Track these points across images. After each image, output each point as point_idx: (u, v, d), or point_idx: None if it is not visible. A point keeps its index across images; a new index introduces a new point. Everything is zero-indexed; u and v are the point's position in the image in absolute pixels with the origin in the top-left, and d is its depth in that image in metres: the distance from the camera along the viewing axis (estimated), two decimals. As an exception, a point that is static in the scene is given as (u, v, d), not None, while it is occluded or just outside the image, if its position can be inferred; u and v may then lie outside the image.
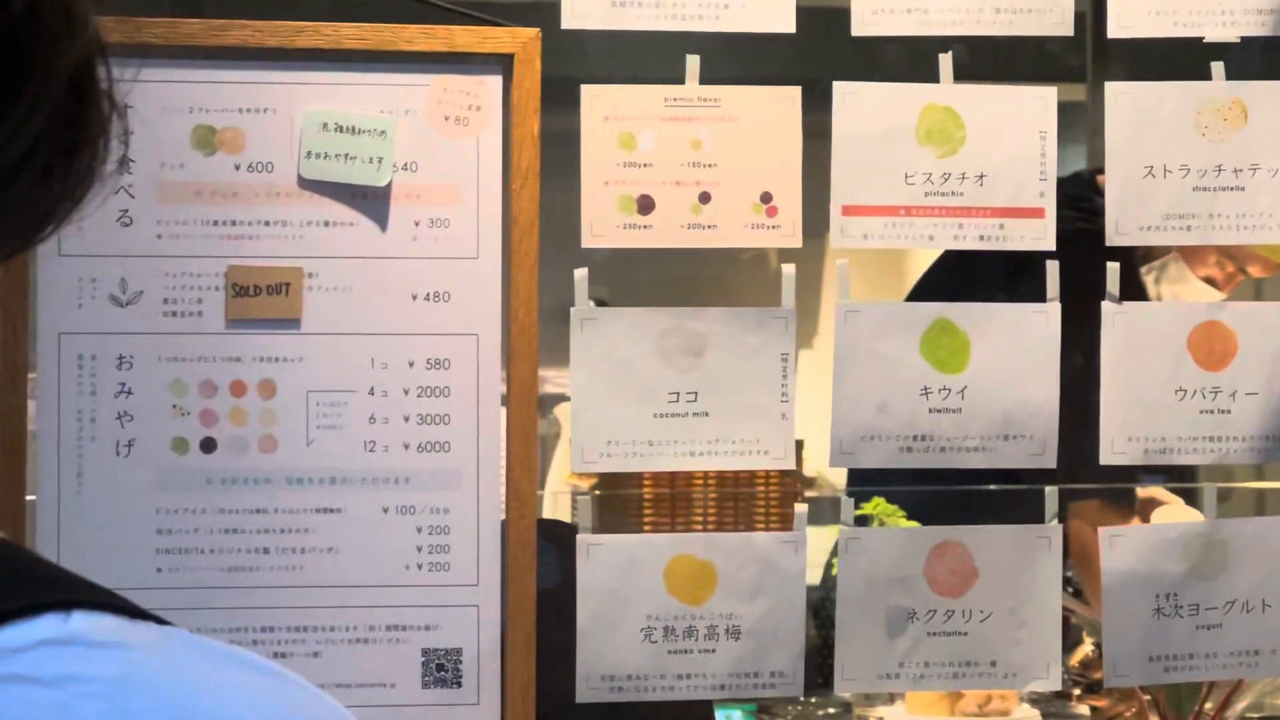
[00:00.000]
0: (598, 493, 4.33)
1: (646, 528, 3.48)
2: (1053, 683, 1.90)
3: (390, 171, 1.81)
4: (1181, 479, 3.66)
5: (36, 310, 1.79)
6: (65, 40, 0.75)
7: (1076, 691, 3.13)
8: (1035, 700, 3.38)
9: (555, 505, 4.47)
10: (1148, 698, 2.67)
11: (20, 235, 0.78)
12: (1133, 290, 3.56)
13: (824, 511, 2.66)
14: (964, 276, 2.37)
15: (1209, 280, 3.61)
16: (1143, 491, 3.73)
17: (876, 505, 2.44)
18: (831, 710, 3.92)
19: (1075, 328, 2.00)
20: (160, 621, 0.75)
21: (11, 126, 0.74)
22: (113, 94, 0.78)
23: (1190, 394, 1.91)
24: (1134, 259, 3.71)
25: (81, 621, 0.73)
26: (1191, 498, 3.31)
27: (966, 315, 1.90)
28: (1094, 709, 3.00)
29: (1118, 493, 3.22)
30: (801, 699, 4.07)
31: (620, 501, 3.90)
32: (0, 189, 0.75)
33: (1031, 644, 1.89)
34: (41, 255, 1.78)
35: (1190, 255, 3.51)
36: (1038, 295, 1.93)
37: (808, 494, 4.66)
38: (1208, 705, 2.77)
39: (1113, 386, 1.92)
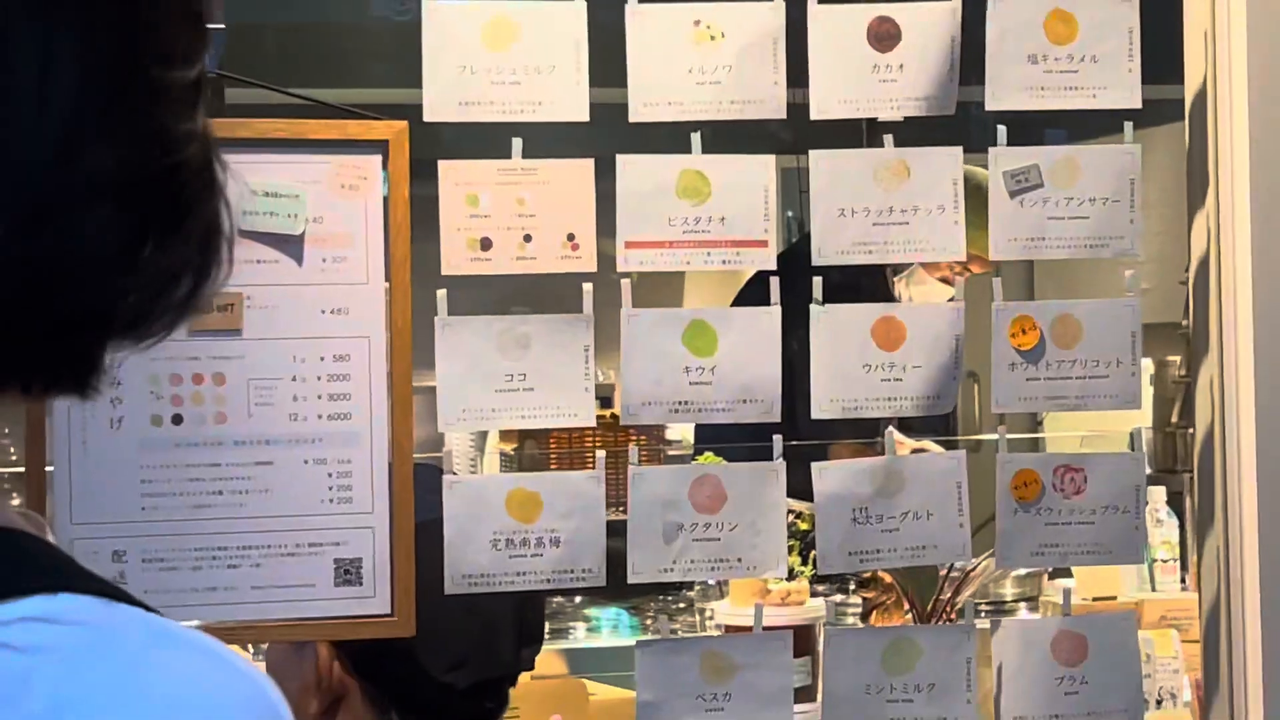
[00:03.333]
0: (511, 450, 4.98)
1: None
2: (781, 572, 2.25)
3: (304, 223, 2.12)
4: (936, 434, 4.16)
5: None
6: (211, 187, 0.85)
7: (852, 586, 3.68)
8: (824, 594, 3.94)
9: (491, 461, 5.15)
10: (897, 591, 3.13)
11: (154, 334, 0.86)
12: (884, 292, 4.09)
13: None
14: (761, 293, 2.81)
15: (944, 279, 4.15)
16: (916, 443, 4.29)
17: (707, 458, 2.72)
18: (681, 605, 4.47)
19: (800, 324, 2.33)
20: (142, 606, 0.79)
21: (175, 252, 0.83)
22: (231, 227, 0.88)
23: (874, 367, 2.27)
24: (888, 271, 4.24)
25: (64, 602, 0.76)
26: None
27: (714, 316, 2.25)
28: (865, 599, 3.55)
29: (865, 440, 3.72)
30: (662, 597, 4.61)
31: (531, 457, 4.55)
32: (156, 299, 0.84)
33: (765, 547, 2.24)
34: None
35: (928, 263, 4.05)
36: (770, 301, 2.26)
37: (671, 452, 5.33)
38: (945, 594, 3.27)
39: (819, 363, 2.26)
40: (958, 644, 2.29)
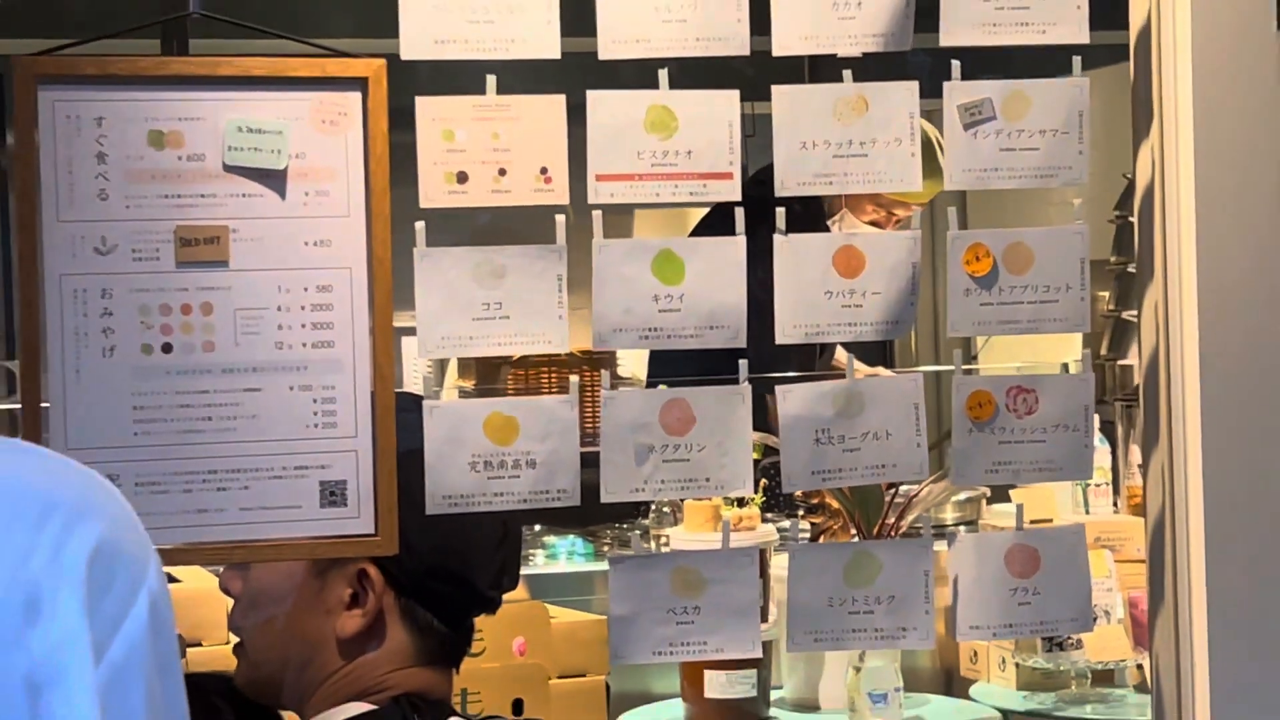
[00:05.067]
0: (470, 386, 5.01)
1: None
2: (748, 491, 2.31)
3: (287, 159, 2.14)
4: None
5: (44, 260, 2.08)
6: None
7: (801, 512, 3.74)
8: (773, 521, 4.00)
9: (450, 398, 5.19)
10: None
11: None
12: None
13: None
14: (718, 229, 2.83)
15: (874, 224, 4.24)
16: (870, 369, 4.35)
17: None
18: (637, 531, 4.53)
19: (764, 254, 2.40)
20: None
21: None
22: None
23: (835, 294, 2.32)
24: (824, 216, 4.32)
25: None
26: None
27: (682, 246, 2.29)
28: (813, 525, 3.62)
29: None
30: (618, 525, 4.68)
31: (489, 393, 4.59)
32: None
33: (733, 467, 2.29)
34: (46, 223, 2.07)
35: (854, 208, 4.14)
36: (734, 232, 2.30)
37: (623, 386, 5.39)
38: (890, 519, 3.34)
39: (783, 290, 2.31)
40: (916, 558, 2.34)
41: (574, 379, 2.27)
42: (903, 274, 2.34)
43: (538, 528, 4.84)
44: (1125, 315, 5.00)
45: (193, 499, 2.15)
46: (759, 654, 2.32)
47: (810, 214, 3.31)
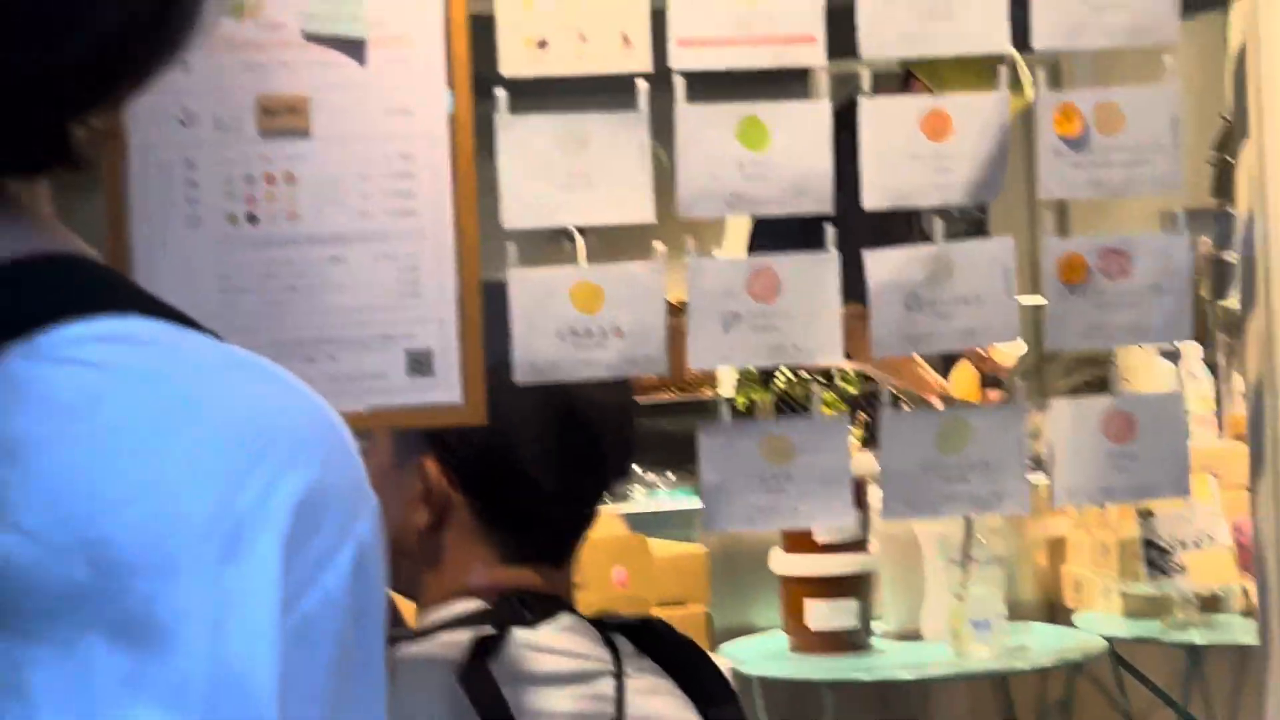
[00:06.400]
0: None
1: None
2: (837, 358, 2.27)
3: (364, 26, 2.10)
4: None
5: (127, 133, 2.05)
6: None
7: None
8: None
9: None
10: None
11: (144, 67, 0.81)
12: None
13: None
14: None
15: None
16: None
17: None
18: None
19: (849, 127, 2.48)
20: (203, 330, 0.78)
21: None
22: None
23: (923, 158, 2.26)
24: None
25: (135, 324, 0.75)
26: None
27: (767, 111, 2.23)
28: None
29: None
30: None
31: None
32: (135, 26, 0.78)
33: (821, 335, 2.24)
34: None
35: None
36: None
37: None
38: None
39: (868, 154, 2.26)
40: (1009, 423, 2.27)
41: (658, 244, 2.21)
42: (992, 136, 2.28)
43: (637, 468, 4.81)
44: (1225, 256, 4.90)
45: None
46: (850, 521, 2.25)
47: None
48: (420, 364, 2.14)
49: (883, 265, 2.28)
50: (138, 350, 0.75)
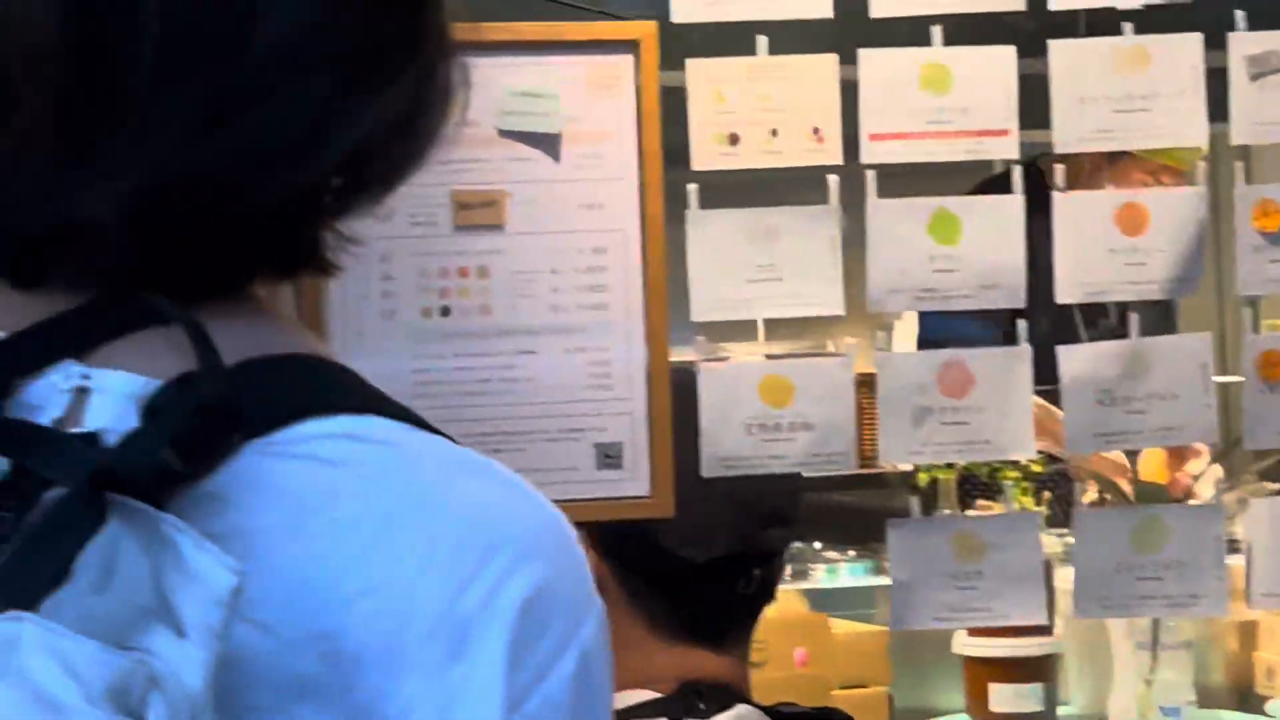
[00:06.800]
0: None
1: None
2: (1029, 453, 2.23)
3: (560, 122, 2.11)
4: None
5: None
6: (413, 51, 0.81)
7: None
8: (1058, 535, 3.86)
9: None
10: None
11: (391, 177, 0.83)
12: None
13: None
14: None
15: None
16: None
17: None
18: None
19: (1042, 214, 2.46)
20: (436, 432, 0.80)
21: (403, 88, 0.80)
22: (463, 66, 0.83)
23: (1118, 252, 2.23)
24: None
25: (370, 423, 0.77)
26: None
27: (958, 204, 2.23)
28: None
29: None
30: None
31: None
32: (384, 142, 0.80)
33: (1013, 429, 2.20)
34: (327, 190, 2.24)
35: (1119, 178, 3.98)
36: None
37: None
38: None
39: (1062, 249, 2.23)
40: (1206, 523, 2.22)
41: (849, 340, 2.19)
42: (1188, 230, 2.23)
43: (817, 545, 4.77)
44: None
45: (470, 461, 2.12)
46: (1045, 620, 2.21)
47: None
48: (610, 457, 2.15)
49: (1076, 360, 2.24)
50: (372, 449, 0.76)
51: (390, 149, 0.81)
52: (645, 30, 2.16)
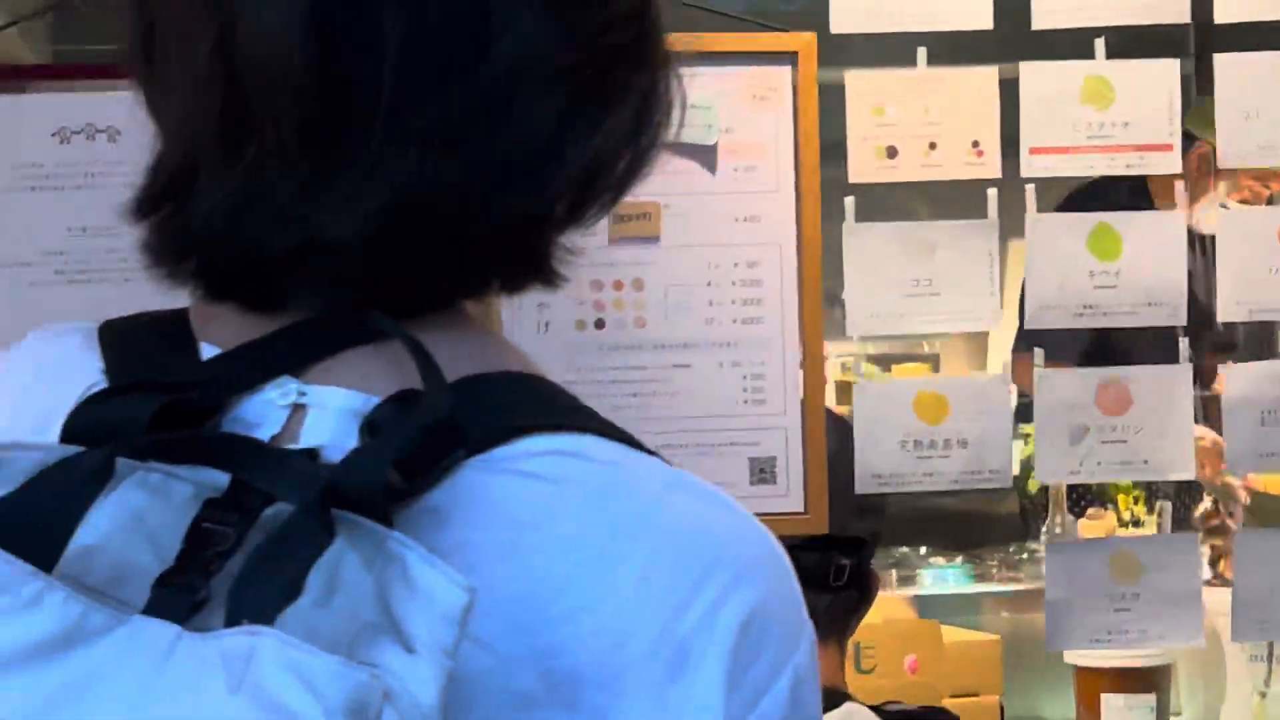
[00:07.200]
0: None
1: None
2: (1188, 473, 2.19)
3: (717, 134, 2.09)
4: None
5: None
6: (641, 63, 0.82)
7: (1200, 535, 3.55)
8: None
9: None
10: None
11: (620, 187, 0.84)
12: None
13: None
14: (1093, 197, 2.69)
15: (1243, 201, 4.03)
16: None
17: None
18: (1023, 556, 4.38)
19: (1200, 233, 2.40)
20: (651, 453, 0.79)
21: (632, 100, 0.81)
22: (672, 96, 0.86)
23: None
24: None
25: (587, 441, 0.76)
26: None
27: (1119, 220, 2.18)
28: (1213, 547, 3.43)
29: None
30: (1004, 548, 4.52)
31: None
32: (614, 153, 0.81)
33: (1172, 449, 2.17)
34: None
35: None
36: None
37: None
38: None
39: (1224, 268, 2.19)
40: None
41: (1006, 358, 2.16)
42: (1356, 247, 2.18)
43: (923, 550, 4.72)
44: None
45: (626, 474, 2.10)
46: (1203, 644, 2.17)
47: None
48: (764, 471, 2.12)
49: (1239, 380, 2.19)
50: (589, 467, 0.76)
51: (620, 160, 0.81)
52: (804, 41, 2.13)
